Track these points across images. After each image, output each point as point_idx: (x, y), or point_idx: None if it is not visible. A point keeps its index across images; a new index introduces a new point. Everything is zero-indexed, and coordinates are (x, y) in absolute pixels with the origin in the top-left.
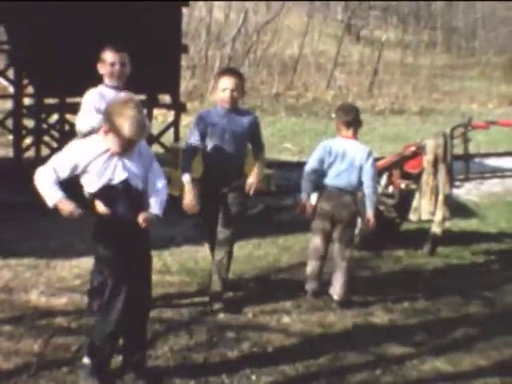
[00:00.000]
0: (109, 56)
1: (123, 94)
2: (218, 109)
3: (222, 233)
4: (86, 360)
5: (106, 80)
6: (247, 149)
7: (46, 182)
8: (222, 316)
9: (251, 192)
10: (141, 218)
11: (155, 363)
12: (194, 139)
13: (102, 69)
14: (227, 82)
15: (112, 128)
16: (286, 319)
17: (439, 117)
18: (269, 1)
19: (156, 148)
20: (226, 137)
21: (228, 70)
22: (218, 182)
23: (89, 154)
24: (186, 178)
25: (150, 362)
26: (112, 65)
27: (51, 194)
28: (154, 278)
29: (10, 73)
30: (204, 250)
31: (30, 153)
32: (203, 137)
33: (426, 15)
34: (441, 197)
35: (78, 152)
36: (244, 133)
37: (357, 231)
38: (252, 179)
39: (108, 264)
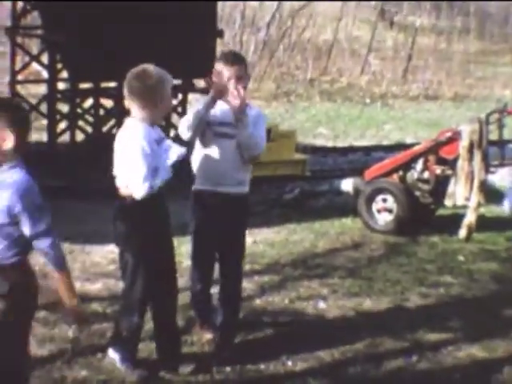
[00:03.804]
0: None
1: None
2: None
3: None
4: (112, 355)
5: None
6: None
7: None
8: (258, 301)
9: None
10: None
11: (191, 349)
12: None
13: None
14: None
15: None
16: (322, 305)
17: (473, 103)
18: None
19: None
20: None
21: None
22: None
23: None
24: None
25: (185, 349)
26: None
27: None
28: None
29: (44, 57)
30: None
31: (65, 137)
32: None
33: (459, 1)
34: (476, 182)
35: None
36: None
37: (392, 217)
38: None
39: (131, 245)
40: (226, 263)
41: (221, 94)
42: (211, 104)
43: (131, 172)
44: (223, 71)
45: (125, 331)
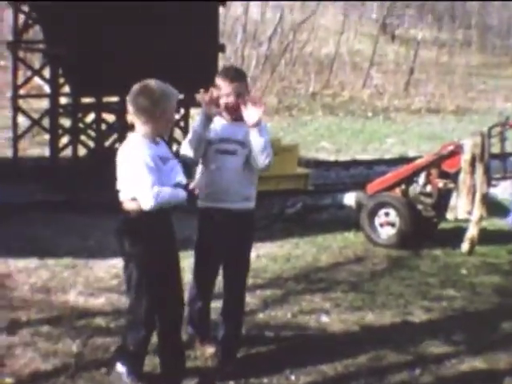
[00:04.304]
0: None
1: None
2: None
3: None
4: (120, 369)
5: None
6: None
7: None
8: (260, 316)
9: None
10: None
11: (194, 364)
12: None
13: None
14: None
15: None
16: (324, 319)
17: (475, 116)
18: (304, 0)
19: None
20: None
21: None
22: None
23: None
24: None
25: (189, 363)
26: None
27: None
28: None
29: (46, 72)
30: None
31: (67, 152)
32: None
33: (460, 14)
34: (478, 196)
35: None
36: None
37: (395, 231)
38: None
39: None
40: (231, 278)
41: (211, 109)
42: (206, 121)
43: (137, 184)
44: (222, 87)
45: (131, 345)
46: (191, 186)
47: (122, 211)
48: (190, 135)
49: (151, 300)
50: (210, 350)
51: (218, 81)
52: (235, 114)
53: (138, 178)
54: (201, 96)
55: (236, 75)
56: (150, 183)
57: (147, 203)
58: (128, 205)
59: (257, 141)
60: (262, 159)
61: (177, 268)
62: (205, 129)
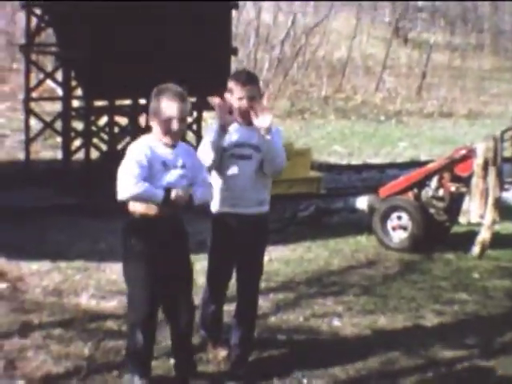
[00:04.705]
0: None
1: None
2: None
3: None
4: (131, 372)
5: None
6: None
7: None
8: (273, 319)
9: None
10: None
11: (206, 368)
12: None
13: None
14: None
15: None
16: (336, 322)
17: (487, 120)
18: (317, 0)
19: None
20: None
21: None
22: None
23: None
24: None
25: (200, 367)
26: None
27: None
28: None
29: (59, 75)
30: None
31: (79, 155)
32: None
33: (473, 18)
34: (490, 200)
35: None
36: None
37: (407, 234)
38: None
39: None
40: (244, 282)
41: (226, 120)
42: (222, 133)
43: (119, 173)
44: (234, 90)
45: (131, 351)
46: (172, 193)
47: (127, 213)
48: (204, 146)
49: (144, 304)
50: (223, 353)
51: (231, 84)
52: (248, 117)
53: (122, 168)
54: (215, 106)
55: (248, 79)
56: (130, 174)
57: (121, 192)
58: (130, 207)
59: (270, 147)
60: (274, 165)
61: (184, 272)
62: (220, 140)
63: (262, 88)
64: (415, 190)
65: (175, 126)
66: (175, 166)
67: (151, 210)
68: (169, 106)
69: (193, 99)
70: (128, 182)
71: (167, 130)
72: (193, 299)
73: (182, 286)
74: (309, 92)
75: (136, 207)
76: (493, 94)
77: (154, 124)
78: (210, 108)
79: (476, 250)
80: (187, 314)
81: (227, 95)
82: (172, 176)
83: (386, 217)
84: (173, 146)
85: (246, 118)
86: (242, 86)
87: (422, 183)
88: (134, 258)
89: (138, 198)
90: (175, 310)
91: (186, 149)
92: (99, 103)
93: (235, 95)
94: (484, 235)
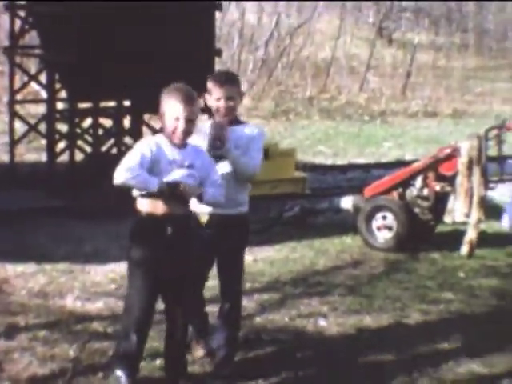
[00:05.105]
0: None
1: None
2: None
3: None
4: (118, 373)
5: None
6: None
7: None
8: (258, 319)
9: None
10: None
11: (192, 368)
12: None
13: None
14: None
15: None
16: (322, 322)
17: (471, 119)
18: (301, 1)
19: None
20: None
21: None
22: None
23: None
24: None
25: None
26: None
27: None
28: None
29: (43, 77)
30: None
31: (64, 157)
32: None
33: (457, 17)
34: (475, 199)
35: None
36: None
37: (392, 234)
38: None
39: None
40: (226, 283)
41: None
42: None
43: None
44: (213, 91)
45: (121, 352)
46: (181, 186)
47: (134, 211)
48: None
49: (139, 304)
50: (199, 352)
51: (209, 85)
52: (227, 118)
53: (124, 157)
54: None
55: (227, 79)
56: (129, 161)
57: (116, 177)
58: (137, 205)
59: (234, 164)
60: (244, 175)
61: (182, 275)
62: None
63: (243, 90)
64: (400, 190)
65: (182, 126)
66: (182, 166)
67: (158, 208)
68: (176, 107)
69: None
70: (124, 168)
71: (174, 130)
72: (190, 304)
73: (185, 290)
74: (293, 92)
75: (143, 205)
76: (477, 93)
77: (163, 124)
78: None
79: (464, 249)
80: (185, 317)
81: (207, 96)
82: (178, 174)
83: (370, 217)
84: (181, 146)
85: (223, 118)
86: (220, 87)
87: (406, 183)
88: (138, 261)
89: (131, 183)
90: (174, 312)
91: (195, 149)
92: (83, 105)
93: (213, 96)
94: (471, 234)
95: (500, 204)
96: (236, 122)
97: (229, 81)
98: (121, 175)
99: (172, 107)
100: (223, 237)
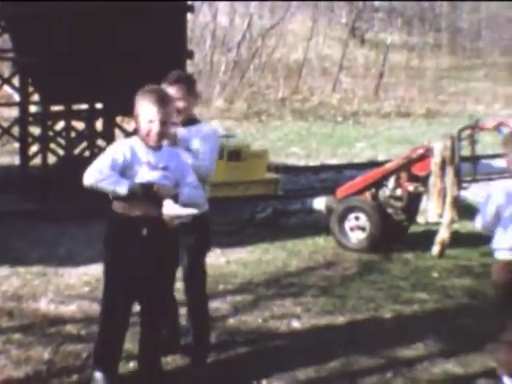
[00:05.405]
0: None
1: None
2: None
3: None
4: (97, 375)
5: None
6: None
7: None
8: (231, 321)
9: None
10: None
11: (165, 369)
12: None
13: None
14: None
15: None
16: (295, 324)
17: (445, 118)
18: (274, 0)
19: None
20: None
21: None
22: None
23: None
24: None
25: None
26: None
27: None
28: None
29: (16, 80)
30: (212, 256)
31: (37, 160)
32: None
33: (430, 17)
34: (448, 199)
35: None
36: None
37: (365, 235)
38: None
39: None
40: (190, 284)
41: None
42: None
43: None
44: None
45: (102, 353)
46: (154, 187)
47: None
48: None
49: (111, 303)
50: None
51: (164, 85)
52: (180, 117)
53: (96, 160)
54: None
55: (177, 79)
56: (99, 164)
57: (85, 178)
58: (112, 206)
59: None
60: (198, 174)
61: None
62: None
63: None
64: (373, 190)
65: (157, 128)
66: (157, 168)
67: (133, 210)
68: (150, 109)
69: None
70: (94, 170)
71: (148, 133)
72: (163, 305)
73: (160, 291)
74: (265, 94)
75: (118, 207)
76: (450, 93)
77: (138, 126)
78: None
79: (436, 249)
80: (160, 319)
81: None
82: (152, 176)
83: (343, 217)
84: (156, 148)
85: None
86: (169, 86)
87: (379, 183)
88: (113, 262)
89: (100, 185)
90: (150, 314)
91: (170, 151)
92: (56, 108)
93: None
94: (443, 234)
95: (473, 204)
96: (189, 121)
97: (178, 81)
98: (90, 177)
99: (146, 109)
100: (185, 236)
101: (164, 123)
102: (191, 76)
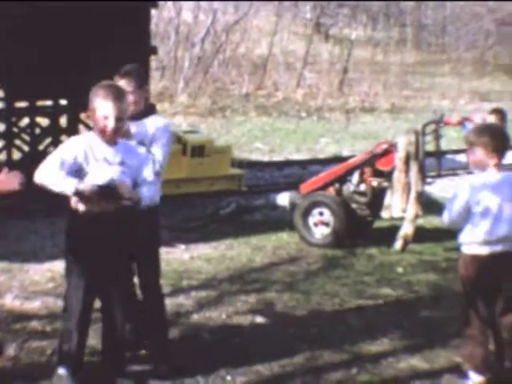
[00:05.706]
0: None
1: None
2: None
3: None
4: (61, 371)
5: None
6: None
7: None
8: (195, 317)
9: None
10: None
11: (130, 366)
12: None
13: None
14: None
15: None
16: (259, 319)
17: (410, 114)
18: (237, 0)
19: None
20: None
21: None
22: None
23: None
24: None
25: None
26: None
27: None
28: None
29: None
30: (176, 252)
31: (1, 156)
32: None
33: (395, 13)
34: (413, 194)
35: None
36: None
37: (329, 230)
38: None
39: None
40: (142, 277)
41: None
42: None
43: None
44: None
45: (65, 349)
46: (118, 187)
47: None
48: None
49: (74, 299)
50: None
51: (115, 79)
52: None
53: (49, 156)
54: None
55: (124, 73)
56: (48, 162)
57: (35, 176)
58: (71, 203)
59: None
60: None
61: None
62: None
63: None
64: (337, 186)
65: (111, 124)
66: (113, 163)
67: (92, 206)
68: (105, 105)
69: None
70: (43, 168)
71: (103, 128)
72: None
73: (121, 287)
74: (230, 89)
75: (77, 204)
76: (415, 89)
77: (93, 121)
78: None
79: (398, 244)
80: (122, 314)
81: None
82: (110, 172)
83: (307, 213)
84: (112, 144)
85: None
86: (119, 79)
87: (343, 178)
88: (74, 259)
89: (46, 184)
90: (111, 309)
91: (126, 146)
92: (20, 104)
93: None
94: (406, 229)
95: (439, 199)
96: (142, 114)
97: (124, 75)
98: (38, 176)
99: (101, 105)
100: (136, 230)
101: (119, 119)
102: (140, 68)
